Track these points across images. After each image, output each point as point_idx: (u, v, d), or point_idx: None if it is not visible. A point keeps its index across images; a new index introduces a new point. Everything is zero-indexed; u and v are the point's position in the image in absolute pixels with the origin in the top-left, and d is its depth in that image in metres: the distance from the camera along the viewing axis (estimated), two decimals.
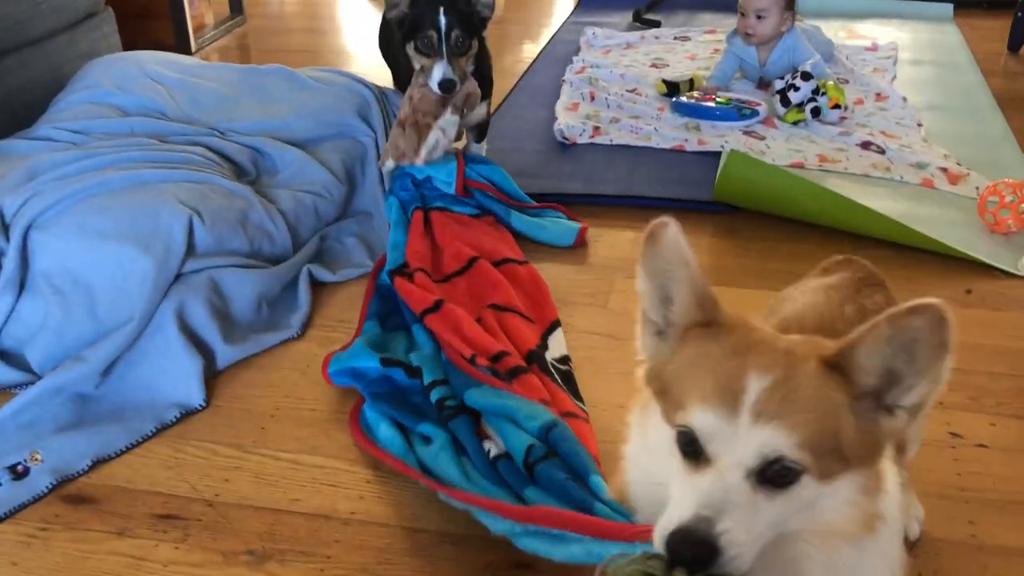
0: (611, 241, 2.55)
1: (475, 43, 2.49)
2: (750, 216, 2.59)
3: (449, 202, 2.54)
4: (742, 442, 0.90)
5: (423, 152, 2.43)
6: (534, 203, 2.64)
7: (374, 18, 4.99)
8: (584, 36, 4.29)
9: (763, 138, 3.10)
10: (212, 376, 2.02)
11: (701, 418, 0.93)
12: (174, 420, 1.89)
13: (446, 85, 2.40)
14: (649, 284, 1.02)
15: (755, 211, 2.59)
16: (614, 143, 3.09)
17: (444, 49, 2.40)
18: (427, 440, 1.75)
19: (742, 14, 3.45)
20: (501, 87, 3.60)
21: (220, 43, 4.50)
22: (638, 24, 4.57)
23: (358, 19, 5.09)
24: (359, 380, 1.92)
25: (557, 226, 2.55)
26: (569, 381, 1.95)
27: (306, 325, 2.19)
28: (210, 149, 2.59)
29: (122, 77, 2.92)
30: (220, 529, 1.64)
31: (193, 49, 4.21)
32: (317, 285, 2.33)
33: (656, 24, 4.54)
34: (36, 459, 1.77)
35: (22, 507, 1.69)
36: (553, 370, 1.96)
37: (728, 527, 0.88)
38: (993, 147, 3.07)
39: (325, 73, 3.09)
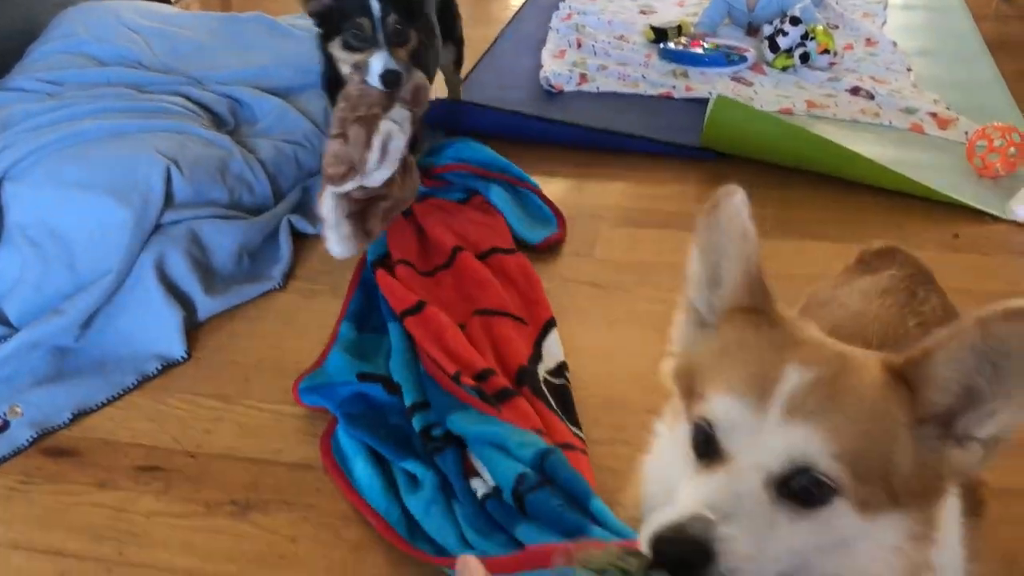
0: (598, 190, 2.52)
1: (414, 34, 2.08)
2: (738, 163, 2.56)
3: (429, 191, 2.38)
4: (767, 440, 0.75)
5: (376, 144, 1.91)
6: (517, 176, 2.44)
7: None
8: None
9: (751, 84, 3.06)
10: (194, 328, 2.00)
11: (721, 406, 0.78)
12: (155, 372, 1.88)
13: (389, 77, 1.95)
14: (701, 263, 0.90)
15: (743, 158, 2.56)
16: (601, 91, 3.05)
17: (381, 37, 1.98)
18: (413, 479, 1.58)
19: None
20: (487, 34, 3.55)
21: None
22: None
23: None
24: (330, 399, 1.74)
25: (532, 218, 2.34)
26: (565, 399, 1.77)
27: (288, 276, 2.17)
28: (188, 99, 2.55)
29: (98, 26, 2.85)
30: (203, 480, 1.63)
31: None
32: (299, 236, 2.30)
33: None
34: (16, 412, 1.76)
35: (3, 460, 1.68)
36: (547, 388, 1.78)
37: (732, 534, 0.71)
38: (983, 92, 3.04)
39: (306, 20, 3.03)
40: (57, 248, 2.02)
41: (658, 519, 0.74)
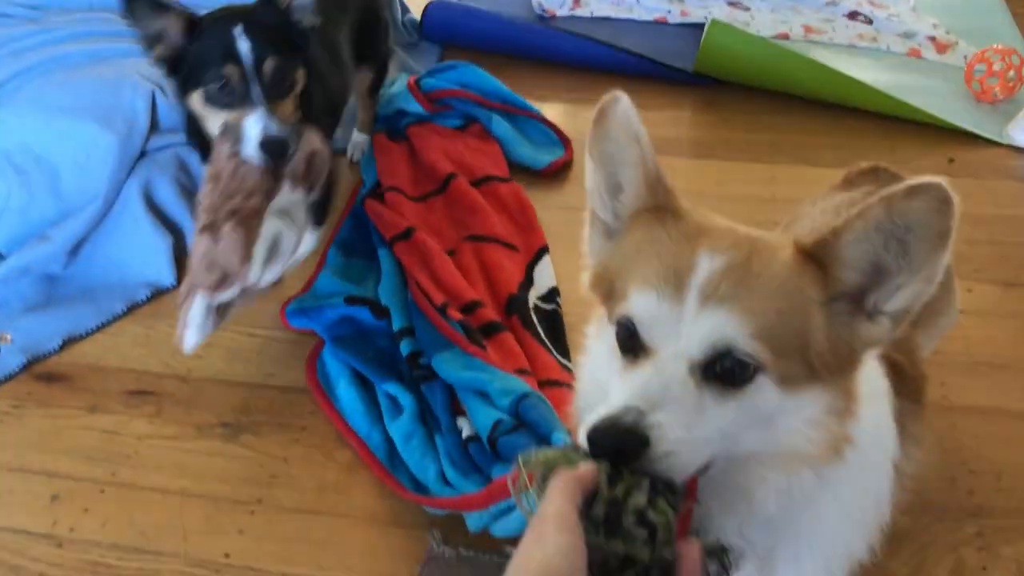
0: (588, 115, 2.49)
1: (301, 74, 1.56)
2: (732, 89, 2.52)
3: (427, 116, 2.35)
4: (687, 329, 0.78)
5: (258, 254, 1.43)
6: (518, 104, 2.41)
7: None
8: None
9: (748, 9, 3.00)
10: (183, 255, 1.98)
11: (640, 301, 0.80)
12: (145, 299, 1.87)
13: (271, 148, 1.44)
14: (598, 174, 0.91)
15: (737, 84, 2.52)
16: (595, 15, 2.98)
17: (256, 91, 1.46)
18: (396, 404, 1.58)
19: None
20: None
21: None
22: None
23: None
24: (318, 321, 1.73)
25: (536, 144, 2.32)
26: (555, 325, 1.78)
27: None
28: None
29: None
30: (194, 404, 1.64)
31: None
32: None
33: None
34: (5, 339, 1.75)
35: None
36: (537, 315, 1.78)
37: (662, 421, 0.75)
38: (984, 15, 2.97)
39: None
40: (42, 174, 2.00)
41: (593, 416, 0.77)
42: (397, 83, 2.44)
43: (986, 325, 1.71)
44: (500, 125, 2.33)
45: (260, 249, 1.43)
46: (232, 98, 1.46)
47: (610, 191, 0.90)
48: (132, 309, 1.85)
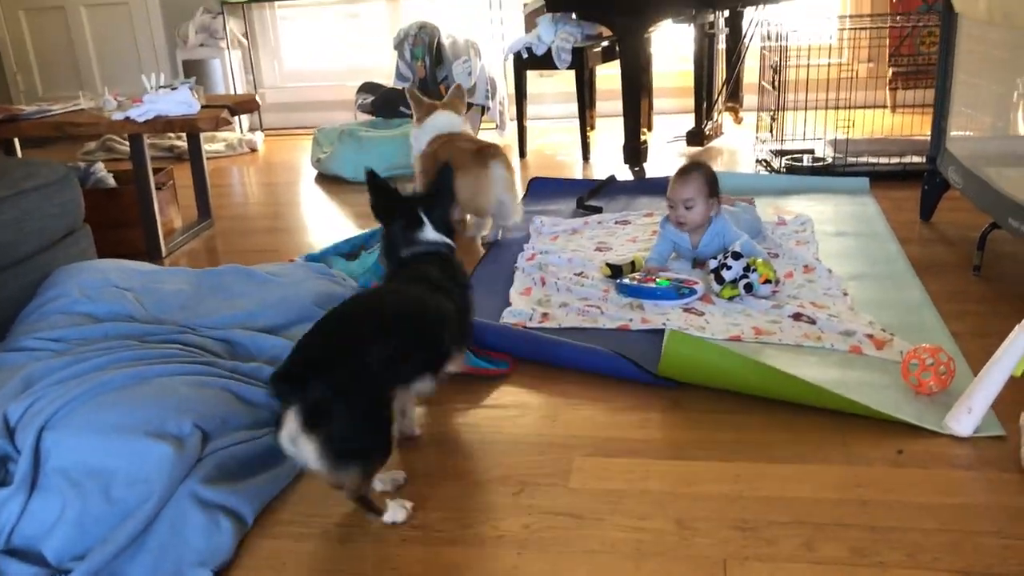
0: (568, 419, 2.68)
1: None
2: (697, 389, 2.76)
3: None
4: None
5: None
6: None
7: (332, 215, 5.27)
8: (533, 224, 4.57)
9: (702, 314, 3.32)
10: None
11: None
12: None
13: None
14: None
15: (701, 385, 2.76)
16: (563, 327, 3.28)
17: None
18: None
19: (671, 206, 3.75)
20: None
21: (189, 246, 4.71)
22: (582, 210, 4.87)
23: (319, 217, 5.38)
24: None
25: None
26: None
27: (276, 521, 2.26)
28: (186, 345, 2.76)
29: (89, 286, 3.12)
30: None
31: (163, 253, 4.42)
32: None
33: (598, 210, 4.84)
34: None
35: None
36: None
37: None
38: (913, 312, 3.31)
39: (279, 267, 3.33)
40: (96, 483, 2.15)
41: None
42: None
43: None
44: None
45: None
46: None
47: None
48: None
